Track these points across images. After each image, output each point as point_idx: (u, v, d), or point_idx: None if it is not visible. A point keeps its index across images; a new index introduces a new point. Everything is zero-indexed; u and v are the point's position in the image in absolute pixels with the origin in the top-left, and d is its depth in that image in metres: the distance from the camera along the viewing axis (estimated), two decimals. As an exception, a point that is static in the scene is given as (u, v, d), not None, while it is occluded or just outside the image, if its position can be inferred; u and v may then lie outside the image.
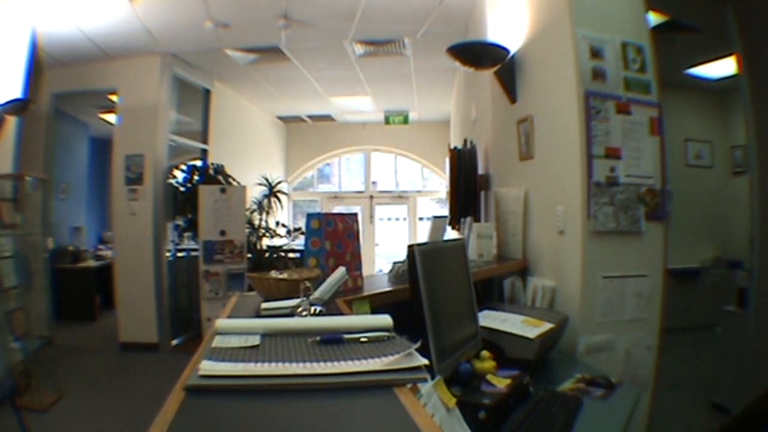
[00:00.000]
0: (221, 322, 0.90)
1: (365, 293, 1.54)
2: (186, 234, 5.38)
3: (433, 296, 1.26)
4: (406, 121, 8.01)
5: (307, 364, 0.70)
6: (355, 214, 1.76)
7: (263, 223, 6.08)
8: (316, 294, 1.18)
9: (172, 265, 5.31)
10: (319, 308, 1.08)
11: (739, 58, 2.75)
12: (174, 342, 5.13)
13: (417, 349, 0.73)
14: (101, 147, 7.21)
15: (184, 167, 5.53)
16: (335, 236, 1.56)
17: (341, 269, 1.29)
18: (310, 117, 8.63)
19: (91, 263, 6.41)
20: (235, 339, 0.83)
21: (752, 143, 2.75)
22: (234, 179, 5.55)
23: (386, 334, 0.84)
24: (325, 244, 1.51)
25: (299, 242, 6.08)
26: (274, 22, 4.27)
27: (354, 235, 1.66)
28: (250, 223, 5.78)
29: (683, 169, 5.00)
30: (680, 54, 3.89)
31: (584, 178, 1.95)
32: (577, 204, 1.98)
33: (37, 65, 4.51)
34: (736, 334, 2.93)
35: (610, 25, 2.05)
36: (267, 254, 5.83)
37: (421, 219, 9.25)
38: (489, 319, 1.72)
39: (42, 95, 5.10)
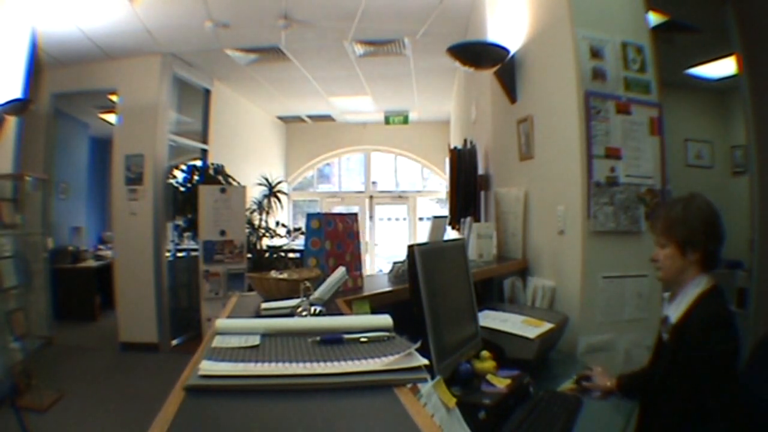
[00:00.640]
0: (221, 322, 0.90)
1: (365, 293, 1.54)
2: (186, 234, 5.38)
3: (433, 296, 1.26)
4: (406, 121, 8.01)
5: (307, 364, 0.70)
6: (355, 214, 1.76)
7: (263, 223, 6.08)
8: (316, 294, 1.18)
9: (172, 265, 5.31)
10: (319, 308, 1.08)
11: (739, 58, 2.75)
12: (174, 342, 5.13)
13: (417, 349, 0.73)
14: (101, 147, 7.21)
15: (184, 167, 5.52)
16: (335, 236, 1.56)
17: (341, 269, 1.29)
18: (310, 117, 8.63)
19: (91, 263, 6.40)
20: (235, 339, 0.83)
21: (752, 143, 2.75)
22: (234, 179, 5.54)
23: (386, 334, 0.84)
24: (325, 244, 1.51)
25: (299, 242, 6.08)
26: (274, 22, 4.27)
27: (354, 235, 1.66)
28: (250, 223, 5.78)
29: (683, 169, 4.99)
30: (680, 54, 3.89)
31: (584, 178, 1.95)
32: (577, 204, 1.98)
33: (37, 65, 4.51)
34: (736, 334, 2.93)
35: (610, 25, 2.05)
36: (267, 254, 5.83)
37: (421, 219, 9.25)
38: (489, 319, 1.72)
39: (42, 95, 5.09)
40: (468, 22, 4.24)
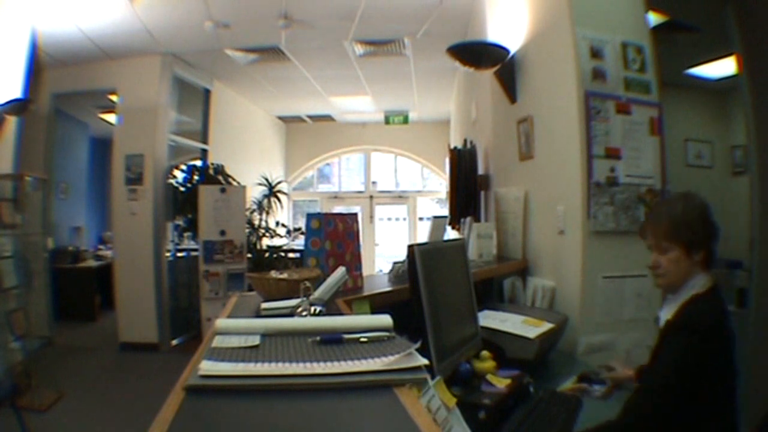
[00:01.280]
0: (221, 322, 0.90)
1: (365, 293, 1.54)
2: (186, 234, 5.38)
3: (433, 296, 1.26)
4: (406, 121, 8.01)
5: (307, 364, 0.69)
6: (355, 214, 1.76)
7: (263, 223, 6.07)
8: (316, 294, 1.18)
9: (172, 265, 5.31)
10: (319, 308, 1.08)
11: (739, 58, 2.74)
12: (174, 342, 5.13)
13: (417, 349, 0.73)
14: (101, 147, 7.21)
15: (184, 167, 5.52)
16: (335, 236, 1.56)
17: (341, 269, 1.29)
18: (310, 117, 8.63)
19: (91, 263, 6.40)
20: (235, 339, 0.83)
21: (752, 143, 2.75)
22: (234, 179, 5.54)
23: (386, 334, 0.84)
24: (325, 244, 1.51)
25: (299, 242, 6.08)
26: (274, 22, 4.27)
27: (354, 235, 1.66)
28: (250, 223, 5.77)
29: (683, 169, 4.99)
30: (680, 54, 3.89)
31: (584, 178, 1.95)
32: (577, 204, 1.98)
33: (37, 65, 4.51)
34: (736, 334, 2.93)
35: (610, 25, 2.05)
36: (267, 254, 5.83)
37: (421, 219, 9.25)
38: (489, 319, 1.72)
39: (42, 95, 5.10)
40: (468, 22, 4.24)
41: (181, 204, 5.25)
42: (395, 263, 1.83)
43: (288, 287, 1.29)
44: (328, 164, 9.74)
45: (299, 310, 1.07)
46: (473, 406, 1.16)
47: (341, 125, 9.05)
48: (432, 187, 9.39)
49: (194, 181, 5.31)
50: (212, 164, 5.62)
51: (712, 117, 5.30)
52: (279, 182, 6.63)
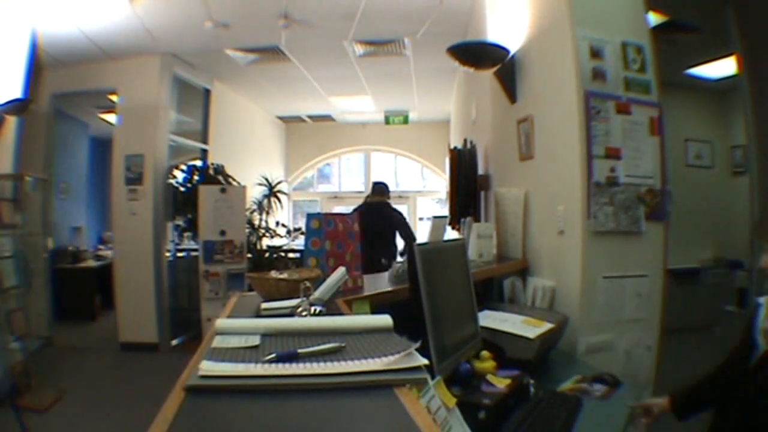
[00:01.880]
0: (221, 322, 0.90)
1: (365, 293, 1.54)
2: (186, 234, 5.38)
3: (433, 296, 1.26)
4: (406, 121, 8.01)
5: (307, 364, 0.70)
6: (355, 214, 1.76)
7: (263, 223, 6.07)
8: (316, 294, 1.18)
9: (172, 265, 5.31)
10: (319, 308, 1.08)
11: (739, 58, 2.74)
12: (174, 342, 5.12)
13: (417, 349, 0.73)
14: (101, 147, 7.20)
15: (184, 167, 5.52)
16: (335, 236, 1.56)
17: (341, 269, 1.29)
18: (310, 117, 8.63)
19: (91, 263, 6.40)
20: (235, 339, 0.83)
21: (752, 143, 2.75)
22: (234, 179, 5.54)
23: (339, 345, 0.82)
24: (325, 244, 1.51)
25: (299, 242, 6.07)
26: (274, 22, 4.27)
27: (354, 235, 1.66)
28: (250, 223, 5.77)
29: (683, 169, 5.00)
30: (680, 54, 3.89)
31: (584, 178, 1.95)
32: (577, 204, 1.98)
33: (37, 65, 4.51)
34: (736, 334, 2.93)
35: (610, 25, 2.05)
36: (267, 254, 5.82)
37: (421, 219, 9.24)
38: (489, 319, 1.72)
39: (42, 95, 5.09)
40: (468, 22, 4.24)
41: (181, 204, 5.25)
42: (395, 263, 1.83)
43: (288, 287, 1.29)
44: (328, 164, 9.74)
45: (299, 310, 1.07)
46: (473, 406, 1.16)
47: (341, 125, 9.05)
48: (432, 187, 9.39)
49: (194, 181, 5.31)
50: (212, 164, 5.62)
51: (712, 117, 5.31)
52: (279, 182, 6.63)
